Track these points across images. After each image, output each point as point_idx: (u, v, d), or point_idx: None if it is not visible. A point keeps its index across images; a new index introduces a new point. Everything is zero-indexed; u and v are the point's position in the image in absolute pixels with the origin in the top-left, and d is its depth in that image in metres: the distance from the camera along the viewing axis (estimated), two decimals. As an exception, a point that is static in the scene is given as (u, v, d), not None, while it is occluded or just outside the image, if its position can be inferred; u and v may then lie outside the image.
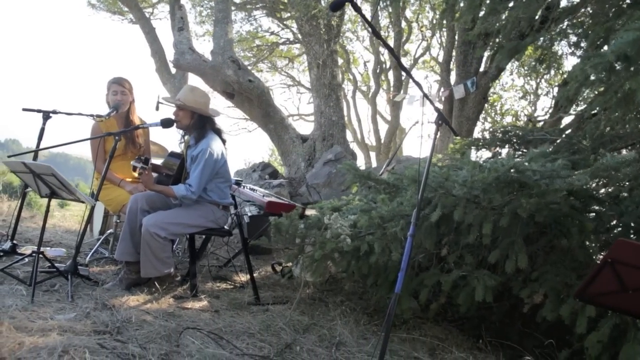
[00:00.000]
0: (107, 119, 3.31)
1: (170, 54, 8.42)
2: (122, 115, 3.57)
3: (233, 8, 12.47)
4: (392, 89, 11.80)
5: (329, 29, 7.10)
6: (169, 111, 4.74)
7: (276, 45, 12.71)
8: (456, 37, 8.03)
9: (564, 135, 4.59)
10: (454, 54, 8.64)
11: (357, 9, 1.81)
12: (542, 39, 3.63)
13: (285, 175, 7.55)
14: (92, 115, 3.31)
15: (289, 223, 3.02)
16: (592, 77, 2.10)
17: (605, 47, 2.34)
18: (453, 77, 8.88)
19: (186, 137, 3.33)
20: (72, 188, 2.58)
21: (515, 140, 4.83)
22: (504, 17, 4.54)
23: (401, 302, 2.88)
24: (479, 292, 2.56)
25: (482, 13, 4.60)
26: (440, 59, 11.97)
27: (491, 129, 11.79)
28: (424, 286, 2.86)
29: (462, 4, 4.51)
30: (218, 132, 3.30)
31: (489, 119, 12.06)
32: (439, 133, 2.51)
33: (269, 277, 4.13)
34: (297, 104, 36.23)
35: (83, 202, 2.69)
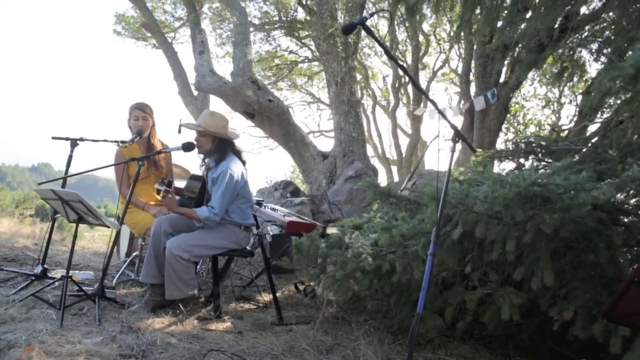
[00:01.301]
0: (130, 144, 3.41)
1: (192, 76, 8.67)
2: (143, 140, 3.67)
3: (252, 29, 12.75)
4: (411, 102, 11.78)
5: (347, 46, 7.17)
6: (190, 134, 4.84)
7: (295, 63, 12.88)
8: (474, 49, 7.99)
9: (589, 145, 4.49)
10: (472, 65, 8.59)
11: (369, 32, 1.83)
12: (561, 50, 3.57)
13: (307, 193, 7.57)
14: (116, 142, 3.42)
15: (310, 243, 3.02)
16: (618, 84, 2.03)
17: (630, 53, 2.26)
18: (473, 89, 8.83)
19: (206, 160, 3.39)
20: (98, 214, 2.66)
21: (539, 151, 4.74)
22: (522, 27, 4.51)
23: (425, 321, 2.84)
24: (505, 311, 2.50)
25: (499, 24, 4.57)
26: (460, 70, 11.92)
27: (514, 140, 11.59)
28: (449, 304, 2.81)
29: (479, 17, 4.50)
30: (238, 154, 3.35)
31: (512, 129, 11.87)
32: (459, 146, 2.51)
33: (292, 297, 4.13)
34: (317, 121, 36.41)
35: (109, 226, 2.76)
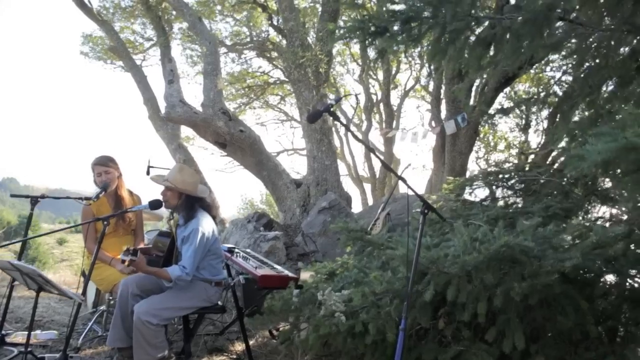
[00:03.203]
0: (95, 201, 3.30)
1: (162, 100, 8.49)
2: (111, 192, 3.57)
3: (225, 50, 12.67)
4: (384, 123, 11.90)
5: (318, 75, 7.19)
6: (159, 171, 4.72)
7: (267, 84, 12.85)
8: (444, 74, 8.13)
9: (551, 172, 4.64)
10: (442, 89, 8.74)
11: (335, 117, 1.82)
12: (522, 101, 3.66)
13: (281, 222, 7.51)
14: (80, 199, 3.30)
15: (282, 304, 2.98)
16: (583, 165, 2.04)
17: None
18: (444, 112, 8.99)
19: (175, 216, 3.31)
20: (59, 286, 2.55)
21: (508, 178, 4.85)
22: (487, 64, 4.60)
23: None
24: (478, 371, 2.52)
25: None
26: (431, 87, 12.11)
27: (485, 158, 11.79)
28: (423, 361, 2.81)
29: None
30: (208, 209, 3.28)
31: (482, 145, 12.06)
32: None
33: (267, 344, 4.05)
34: (291, 139, 35.99)
35: (71, 298, 2.65)
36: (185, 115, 6.91)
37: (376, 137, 14.41)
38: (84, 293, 2.99)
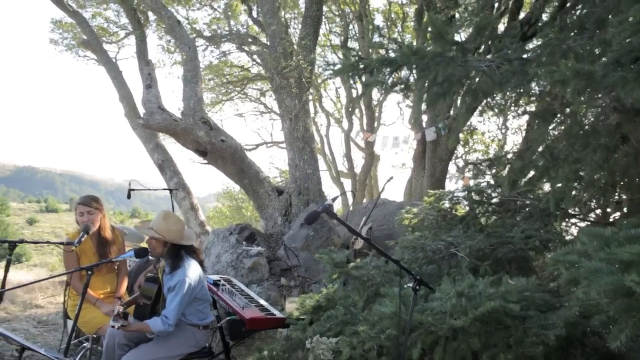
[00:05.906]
0: (77, 247, 3.22)
1: (138, 97, 8.17)
2: (94, 233, 3.49)
3: (206, 43, 12.32)
4: (365, 120, 11.87)
5: (300, 83, 7.10)
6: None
7: (248, 79, 12.61)
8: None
9: (532, 198, 4.76)
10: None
11: (334, 216, 1.82)
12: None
13: (262, 229, 7.50)
14: (62, 243, 3.22)
15: (270, 355, 3.00)
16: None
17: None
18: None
19: (161, 262, 3.27)
20: (40, 351, 2.51)
21: (487, 197, 4.95)
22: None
23: None
24: None
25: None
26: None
27: (463, 157, 11.92)
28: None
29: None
30: (194, 254, 3.25)
31: (460, 144, 12.19)
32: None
33: (252, 375, 4.08)
34: (270, 131, 34.75)
35: (46, 356, 2.59)
36: (165, 123, 6.76)
37: (358, 137, 14.35)
38: (67, 351, 2.93)
